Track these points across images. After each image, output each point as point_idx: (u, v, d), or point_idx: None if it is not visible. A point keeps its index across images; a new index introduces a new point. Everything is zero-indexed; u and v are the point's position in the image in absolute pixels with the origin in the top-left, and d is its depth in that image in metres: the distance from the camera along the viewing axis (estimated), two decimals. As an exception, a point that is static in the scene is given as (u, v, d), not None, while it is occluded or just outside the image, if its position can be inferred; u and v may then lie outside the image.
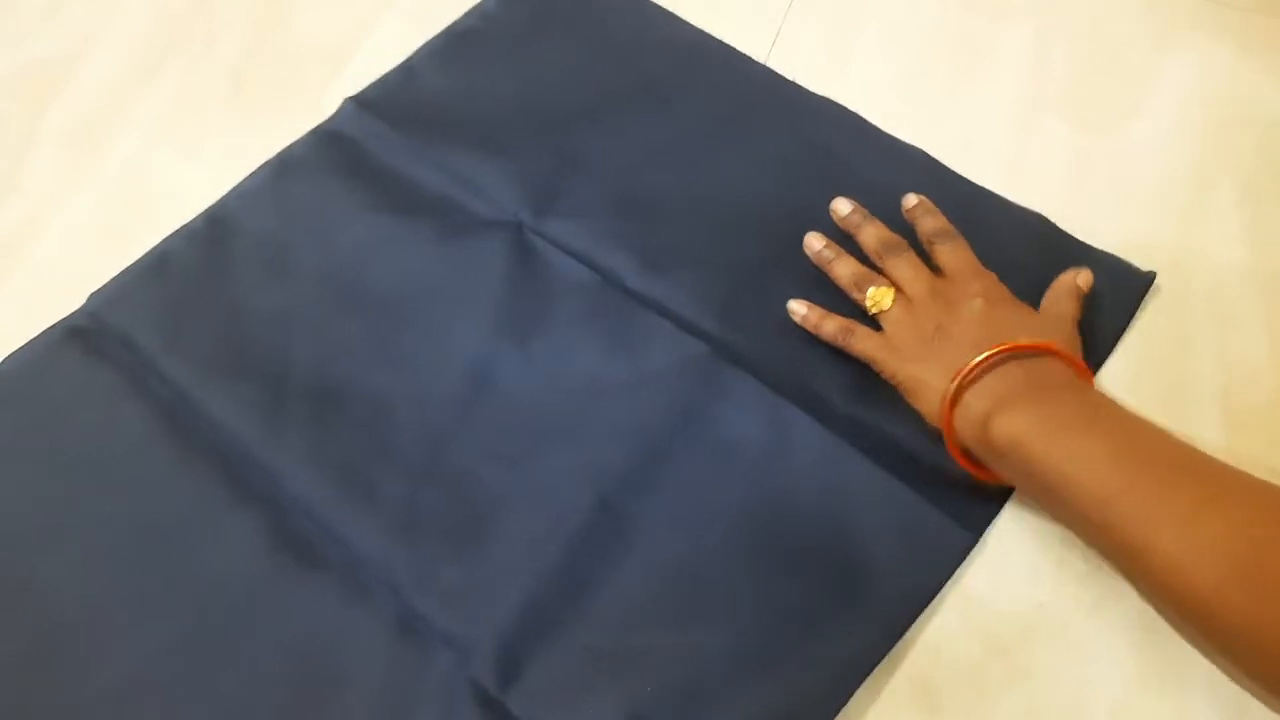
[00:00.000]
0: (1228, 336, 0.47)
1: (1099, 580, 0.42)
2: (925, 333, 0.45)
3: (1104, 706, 0.40)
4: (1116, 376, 0.47)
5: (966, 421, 0.42)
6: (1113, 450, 0.38)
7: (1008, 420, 0.40)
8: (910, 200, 0.51)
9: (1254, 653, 0.33)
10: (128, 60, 0.65)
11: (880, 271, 0.49)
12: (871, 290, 0.47)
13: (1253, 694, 0.36)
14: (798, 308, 0.49)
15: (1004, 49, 0.58)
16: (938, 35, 0.60)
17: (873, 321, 0.48)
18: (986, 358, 0.42)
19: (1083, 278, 0.47)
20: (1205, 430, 0.45)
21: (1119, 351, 0.47)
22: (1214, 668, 0.40)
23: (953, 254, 0.48)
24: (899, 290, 0.47)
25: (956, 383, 0.42)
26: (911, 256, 0.48)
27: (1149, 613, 0.41)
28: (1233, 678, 0.37)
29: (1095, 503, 0.37)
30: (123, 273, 0.54)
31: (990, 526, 0.44)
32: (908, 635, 0.41)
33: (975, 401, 0.42)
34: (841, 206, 0.51)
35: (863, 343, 0.46)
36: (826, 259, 0.50)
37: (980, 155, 0.54)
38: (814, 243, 0.50)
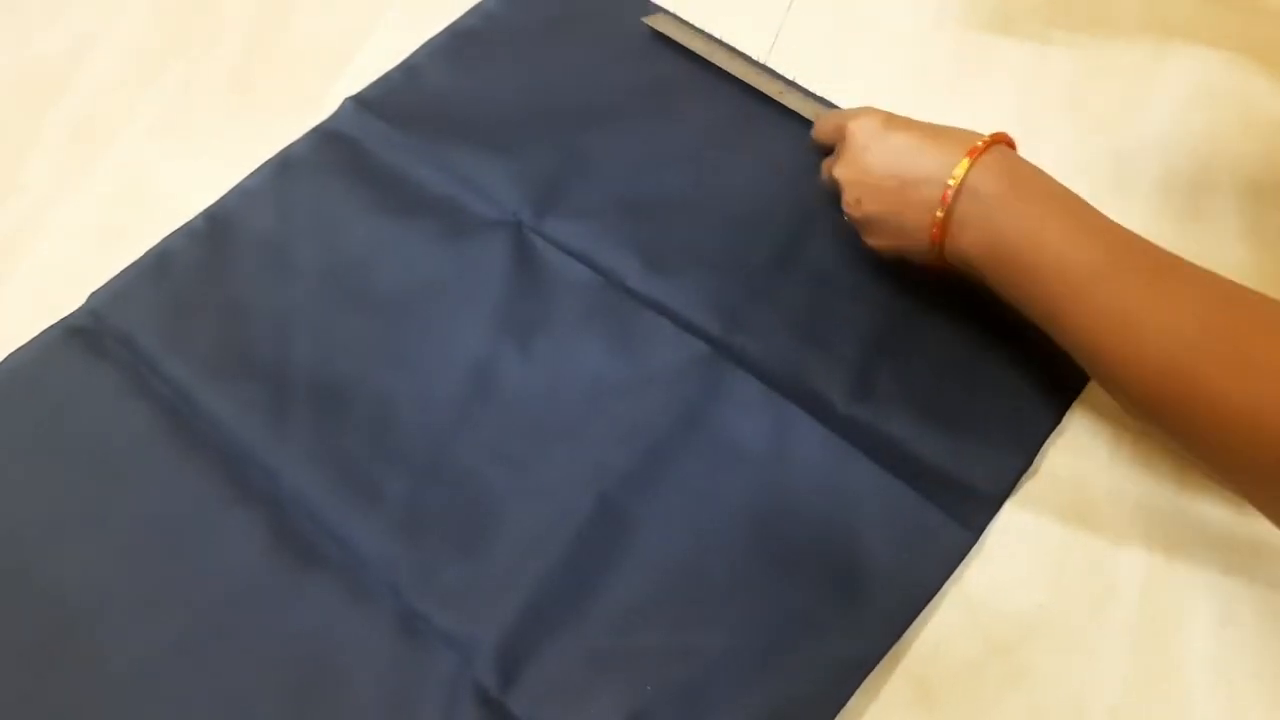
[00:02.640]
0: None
1: (1099, 580, 0.42)
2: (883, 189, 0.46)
3: (1104, 706, 0.40)
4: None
5: (964, 230, 0.42)
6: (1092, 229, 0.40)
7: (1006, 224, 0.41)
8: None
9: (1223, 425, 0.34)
10: (128, 60, 0.65)
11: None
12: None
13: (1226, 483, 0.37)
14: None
15: (1004, 49, 0.58)
16: (938, 35, 0.60)
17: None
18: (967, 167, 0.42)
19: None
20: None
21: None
22: (1212, 668, 0.40)
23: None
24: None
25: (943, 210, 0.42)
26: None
27: (1149, 613, 0.41)
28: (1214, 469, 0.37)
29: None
30: (123, 272, 0.54)
31: (990, 526, 0.44)
32: (907, 634, 0.41)
33: (967, 211, 0.42)
34: None
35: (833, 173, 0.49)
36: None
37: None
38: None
